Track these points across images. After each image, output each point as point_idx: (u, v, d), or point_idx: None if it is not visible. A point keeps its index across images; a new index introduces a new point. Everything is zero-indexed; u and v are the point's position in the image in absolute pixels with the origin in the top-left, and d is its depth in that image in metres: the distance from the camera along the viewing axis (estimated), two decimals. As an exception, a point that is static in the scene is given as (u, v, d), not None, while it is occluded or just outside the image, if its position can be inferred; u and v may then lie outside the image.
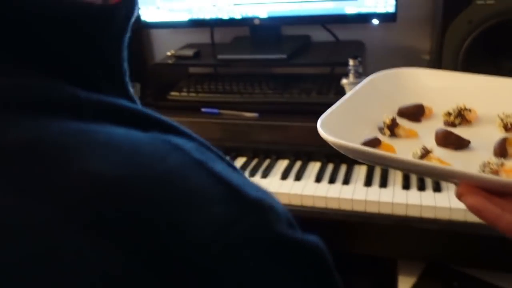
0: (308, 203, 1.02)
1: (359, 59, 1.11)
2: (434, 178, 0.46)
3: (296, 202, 1.02)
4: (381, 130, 0.53)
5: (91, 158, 0.24)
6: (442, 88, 0.60)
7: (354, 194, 0.99)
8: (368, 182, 1.02)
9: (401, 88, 0.61)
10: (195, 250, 0.23)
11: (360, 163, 1.07)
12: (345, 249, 1.11)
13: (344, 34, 1.37)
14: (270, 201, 0.28)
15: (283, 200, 1.03)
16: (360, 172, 1.07)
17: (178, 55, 1.31)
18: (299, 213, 1.02)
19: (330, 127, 0.50)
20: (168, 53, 1.33)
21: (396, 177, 1.04)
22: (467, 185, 0.39)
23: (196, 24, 1.31)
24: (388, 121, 0.53)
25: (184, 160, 0.26)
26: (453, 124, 0.54)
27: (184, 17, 1.29)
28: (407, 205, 0.95)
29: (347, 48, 1.31)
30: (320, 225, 1.02)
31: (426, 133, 0.54)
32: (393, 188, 1.00)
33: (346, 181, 1.04)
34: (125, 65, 0.37)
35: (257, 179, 1.08)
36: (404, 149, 0.50)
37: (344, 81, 1.13)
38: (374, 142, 0.49)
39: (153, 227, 0.23)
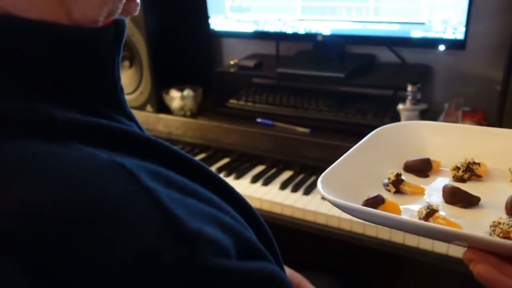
0: (346, 227, 1.00)
1: (418, 85, 1.06)
2: (440, 241, 0.43)
3: (333, 224, 1.01)
4: (386, 186, 0.50)
5: (29, 183, 0.26)
6: (450, 142, 0.57)
7: (394, 224, 0.96)
8: (412, 214, 0.98)
9: (407, 142, 0.57)
10: (118, 279, 0.25)
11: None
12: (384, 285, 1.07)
13: (412, 56, 1.33)
14: (209, 233, 0.29)
15: (321, 220, 1.02)
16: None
17: (240, 64, 1.35)
18: (339, 237, 1.00)
19: (332, 184, 0.47)
20: (231, 62, 1.37)
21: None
22: (476, 250, 0.36)
23: (261, 36, 1.34)
24: (392, 177, 0.49)
25: (130, 187, 0.28)
26: (462, 179, 0.51)
27: (250, 28, 1.33)
28: (448, 244, 0.90)
29: (412, 71, 1.26)
30: (358, 252, 1.00)
31: (433, 189, 0.50)
32: (437, 224, 0.95)
33: (388, 210, 1.00)
34: (120, 84, 0.38)
35: (298, 195, 1.08)
36: (409, 208, 0.47)
37: (400, 106, 1.09)
38: (377, 200, 0.45)
39: (71, 254, 0.24)
